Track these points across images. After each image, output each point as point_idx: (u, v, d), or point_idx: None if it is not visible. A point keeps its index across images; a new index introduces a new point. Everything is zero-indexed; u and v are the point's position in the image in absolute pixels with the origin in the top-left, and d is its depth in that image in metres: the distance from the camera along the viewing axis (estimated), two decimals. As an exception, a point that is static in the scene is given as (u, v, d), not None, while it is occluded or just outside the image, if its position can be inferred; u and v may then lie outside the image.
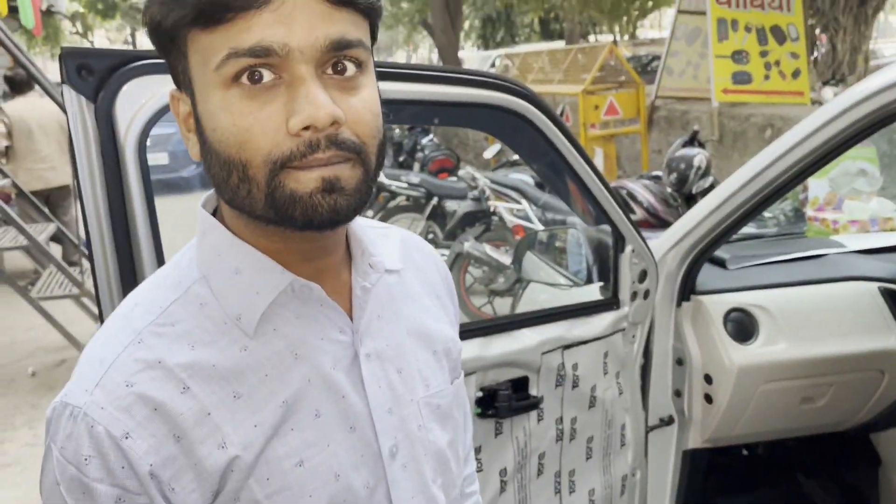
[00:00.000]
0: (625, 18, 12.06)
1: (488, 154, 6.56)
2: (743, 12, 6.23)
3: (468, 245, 4.24)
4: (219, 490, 0.46)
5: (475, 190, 4.63)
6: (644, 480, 1.48)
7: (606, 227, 1.34)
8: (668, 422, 1.45)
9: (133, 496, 0.43)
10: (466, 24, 15.47)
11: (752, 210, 1.28)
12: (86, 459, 0.43)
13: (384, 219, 4.79)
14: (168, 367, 0.45)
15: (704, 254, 1.38)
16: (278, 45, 0.40)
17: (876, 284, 1.47)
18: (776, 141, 1.21)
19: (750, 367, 1.35)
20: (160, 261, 0.81)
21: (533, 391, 1.22)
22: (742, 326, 1.40)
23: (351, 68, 0.44)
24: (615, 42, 8.02)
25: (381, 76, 0.60)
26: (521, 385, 1.20)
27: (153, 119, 0.79)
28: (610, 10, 11.20)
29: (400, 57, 30.40)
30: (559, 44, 10.07)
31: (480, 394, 1.15)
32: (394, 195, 5.30)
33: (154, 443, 0.43)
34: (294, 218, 0.43)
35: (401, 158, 7.59)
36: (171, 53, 0.46)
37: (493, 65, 11.86)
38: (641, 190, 3.95)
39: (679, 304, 1.42)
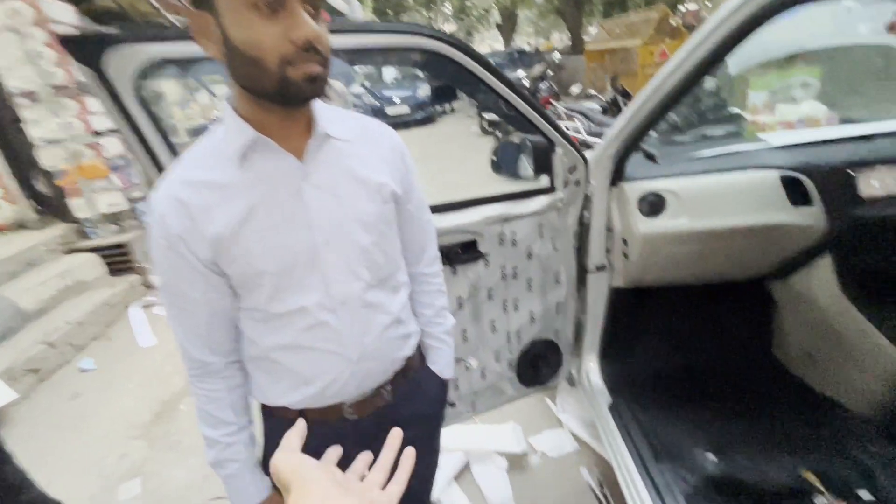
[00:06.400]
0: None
1: (574, 90, 8.58)
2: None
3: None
4: (217, 249, 0.72)
5: (555, 111, 6.09)
6: (575, 306, 1.78)
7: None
8: (601, 268, 1.71)
9: (173, 245, 0.72)
10: (593, 9, 19.47)
11: (657, 116, 1.36)
12: (152, 226, 0.73)
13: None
14: (192, 181, 0.71)
15: (626, 151, 1.52)
16: None
17: (778, 172, 1.52)
18: (671, 58, 1.23)
19: (653, 235, 1.55)
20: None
21: (482, 249, 1.49)
22: (653, 206, 1.56)
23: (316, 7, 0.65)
24: (673, 9, 9.03)
25: (343, 31, 1.01)
26: (471, 245, 1.47)
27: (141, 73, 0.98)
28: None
29: (554, 37, 29.88)
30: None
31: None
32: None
33: (178, 220, 0.71)
34: (288, 95, 0.64)
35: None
36: None
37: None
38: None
39: (610, 189, 1.61)
